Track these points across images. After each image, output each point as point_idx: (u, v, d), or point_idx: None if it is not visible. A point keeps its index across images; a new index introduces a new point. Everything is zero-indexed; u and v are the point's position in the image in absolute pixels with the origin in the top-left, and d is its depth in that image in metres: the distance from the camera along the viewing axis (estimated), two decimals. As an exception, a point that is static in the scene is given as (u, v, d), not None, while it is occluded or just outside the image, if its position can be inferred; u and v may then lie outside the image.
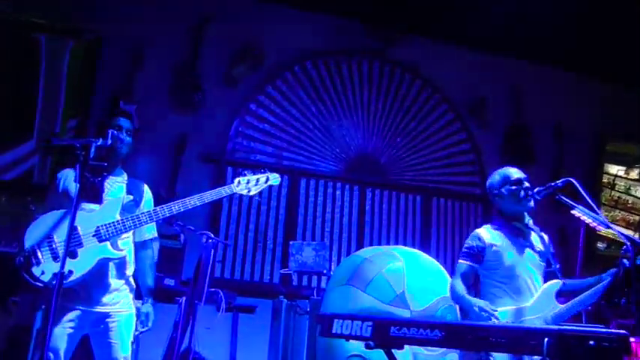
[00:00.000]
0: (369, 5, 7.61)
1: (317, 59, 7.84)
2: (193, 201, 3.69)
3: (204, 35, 7.34)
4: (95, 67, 6.89)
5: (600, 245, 8.70)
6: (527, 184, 4.04)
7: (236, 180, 3.86)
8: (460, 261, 4.08)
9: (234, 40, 7.48)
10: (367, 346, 2.93)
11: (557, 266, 3.98)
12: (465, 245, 4.12)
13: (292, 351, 5.88)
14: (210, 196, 3.76)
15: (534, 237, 4.10)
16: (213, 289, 5.23)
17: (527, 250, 4.01)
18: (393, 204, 7.85)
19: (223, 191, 3.82)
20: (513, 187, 4.03)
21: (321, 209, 7.54)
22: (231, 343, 5.94)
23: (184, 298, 5.15)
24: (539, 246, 4.06)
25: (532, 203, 4.01)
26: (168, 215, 3.64)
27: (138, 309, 3.81)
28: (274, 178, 3.98)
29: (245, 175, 3.88)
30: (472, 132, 8.37)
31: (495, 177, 4.19)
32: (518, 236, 4.05)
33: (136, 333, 3.77)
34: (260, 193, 3.94)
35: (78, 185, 3.18)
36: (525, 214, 4.07)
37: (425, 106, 8.22)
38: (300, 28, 7.79)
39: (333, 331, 3.06)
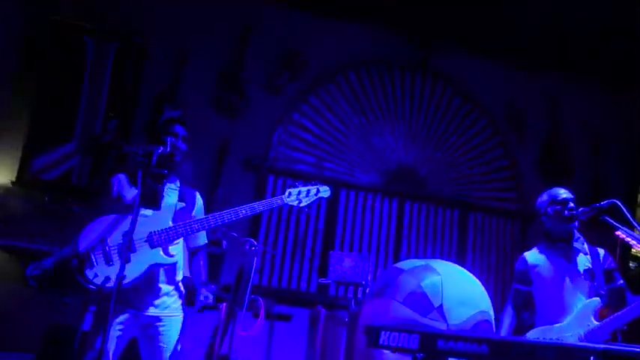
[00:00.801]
0: (411, 17, 7.64)
1: (359, 70, 7.87)
2: (244, 210, 3.72)
3: (249, 42, 7.42)
4: (139, 71, 6.98)
5: (632, 264, 8.62)
6: (572, 205, 4.09)
7: (287, 191, 3.89)
8: (513, 285, 4.27)
9: (278, 49, 7.54)
10: (414, 359, 2.97)
11: (621, 282, 4.00)
12: (515, 270, 4.27)
13: (330, 360, 5.91)
14: (261, 206, 3.80)
15: (581, 257, 4.11)
16: (252, 297, 5.27)
17: (570, 271, 4.05)
18: (430, 217, 7.84)
19: (274, 202, 3.87)
20: (558, 207, 4.09)
21: (359, 221, 7.54)
22: (267, 351, 5.98)
23: (225, 304, 5.23)
24: (586, 264, 4.07)
25: (575, 223, 4.06)
26: (220, 224, 3.68)
27: (197, 297, 3.87)
28: (324, 191, 4.00)
29: (296, 186, 3.91)
30: (510, 147, 8.34)
31: (543, 197, 4.27)
32: (562, 257, 4.11)
33: (199, 311, 3.84)
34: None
35: (139, 191, 3.22)
36: (575, 233, 4.12)
37: (465, 119, 8.21)
38: (343, 39, 7.82)
39: (380, 343, 3.09)
